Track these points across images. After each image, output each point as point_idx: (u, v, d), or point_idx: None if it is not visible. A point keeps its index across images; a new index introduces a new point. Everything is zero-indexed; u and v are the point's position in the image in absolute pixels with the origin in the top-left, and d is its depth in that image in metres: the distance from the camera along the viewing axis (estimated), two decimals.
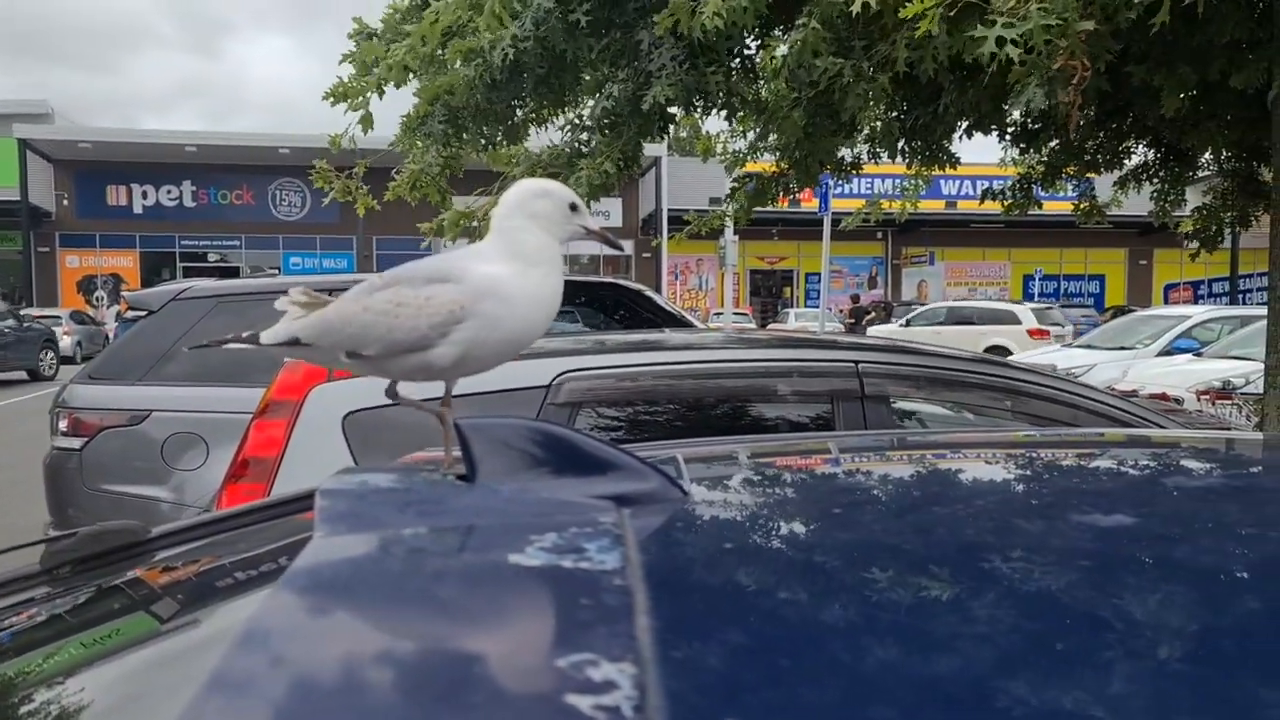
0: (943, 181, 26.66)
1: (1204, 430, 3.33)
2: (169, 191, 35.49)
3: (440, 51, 4.34)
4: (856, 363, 3.05)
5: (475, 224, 4.23)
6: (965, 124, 7.12)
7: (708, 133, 8.19)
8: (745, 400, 3.15)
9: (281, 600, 0.66)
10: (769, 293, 36.19)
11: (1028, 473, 1.43)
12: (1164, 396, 8.33)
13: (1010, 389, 3.17)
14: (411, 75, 4.79)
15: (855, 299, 26.95)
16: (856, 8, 3.55)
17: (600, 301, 6.29)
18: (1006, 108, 3.33)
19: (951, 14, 3.55)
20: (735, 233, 22.92)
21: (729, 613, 0.72)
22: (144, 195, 35.28)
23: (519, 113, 4.94)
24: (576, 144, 4.21)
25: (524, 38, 4.13)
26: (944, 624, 0.71)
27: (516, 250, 1.31)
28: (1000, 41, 3.29)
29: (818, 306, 31.89)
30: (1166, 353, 12.33)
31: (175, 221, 35.49)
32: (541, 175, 4.22)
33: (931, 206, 26.78)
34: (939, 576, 0.82)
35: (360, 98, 4.94)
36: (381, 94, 5.02)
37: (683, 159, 31.23)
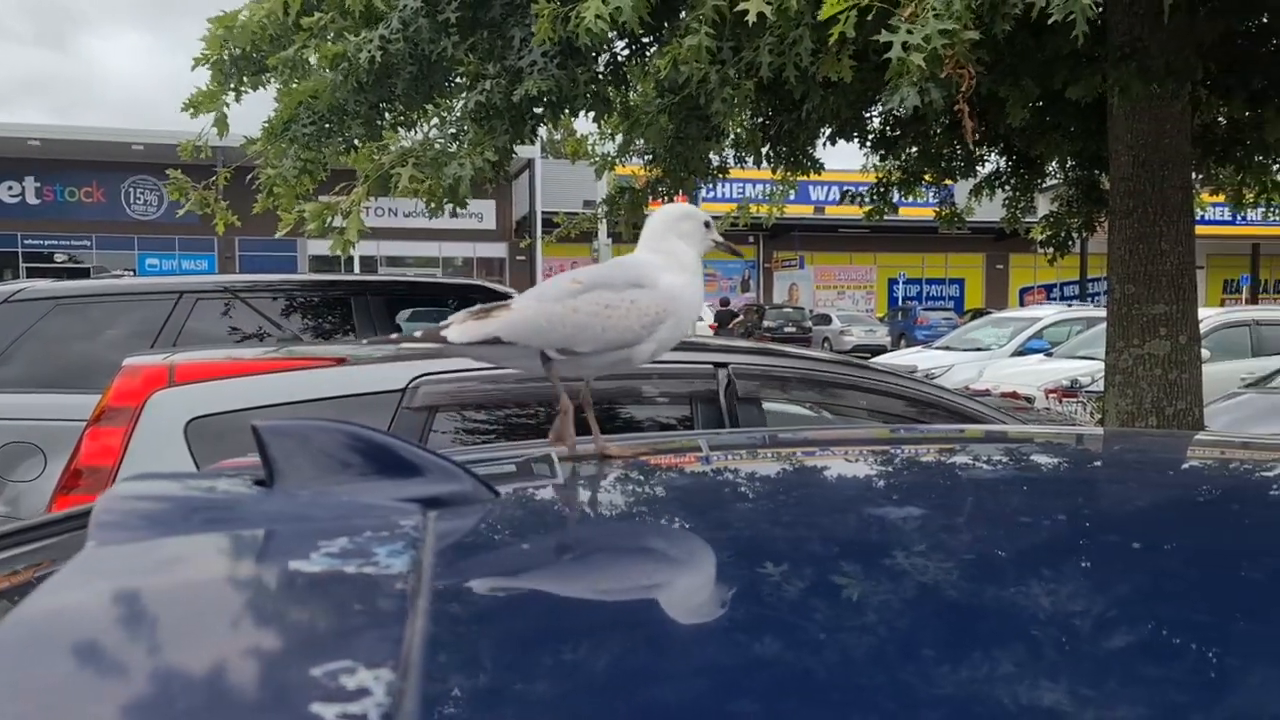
0: (811, 187, 27.30)
1: (1043, 426, 3.49)
2: (10, 188, 33.48)
3: (303, 54, 4.20)
4: (717, 364, 3.07)
5: (340, 219, 4.09)
6: (828, 131, 7.30)
7: (576, 134, 8.19)
8: (606, 402, 3.14)
9: (29, 614, 0.62)
10: None
11: (851, 471, 1.46)
12: (1014, 395, 8.70)
13: (869, 389, 3.24)
14: (270, 78, 4.64)
15: (725, 302, 27.29)
16: (752, 16, 3.57)
17: (469, 304, 6.21)
18: (880, 102, 3.40)
19: (868, 18, 3.62)
20: (609, 235, 23.00)
21: (509, 617, 0.70)
22: None
23: (387, 115, 4.82)
24: (448, 138, 4.12)
25: (391, 39, 4.04)
26: (721, 625, 0.70)
27: (680, 263, 1.57)
28: (905, 47, 3.38)
29: None
30: (1020, 353, 12.90)
31: (17, 219, 33.50)
32: (413, 168, 4.12)
33: (801, 211, 27.37)
34: (713, 575, 0.82)
35: (212, 100, 4.76)
36: (239, 96, 4.85)
37: (556, 161, 31.17)
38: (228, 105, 4.84)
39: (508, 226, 34.37)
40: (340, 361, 3.09)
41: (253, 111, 5.18)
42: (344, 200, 3.98)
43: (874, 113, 7.41)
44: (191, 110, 4.79)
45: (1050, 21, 3.13)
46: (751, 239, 34.73)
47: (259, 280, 5.94)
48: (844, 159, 8.71)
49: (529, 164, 31.44)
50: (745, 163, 7.78)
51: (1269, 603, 0.78)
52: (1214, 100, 6.07)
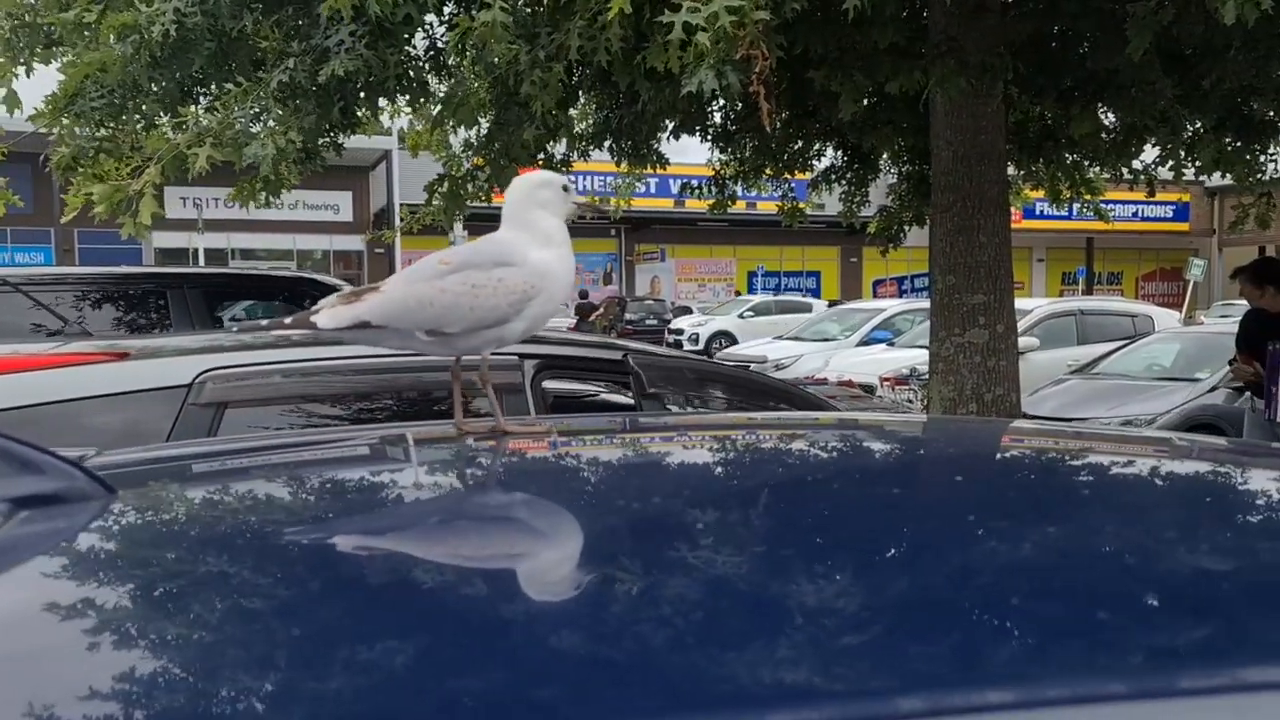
0: (672, 181, 27.57)
1: (856, 411, 3.58)
2: None
3: (88, 22, 3.94)
4: (520, 355, 3.02)
5: (132, 200, 3.84)
6: (671, 124, 7.33)
7: (414, 127, 8.00)
8: (400, 394, 3.06)
9: None
10: None
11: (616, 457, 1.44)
12: (849, 383, 8.94)
13: (670, 373, 3.25)
14: (59, 50, 4.35)
15: (584, 294, 27.27)
16: None
17: (298, 298, 6.01)
18: (683, 86, 3.38)
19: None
20: (465, 229, 22.69)
21: (63, 623, 0.63)
22: None
23: (201, 96, 4.58)
24: (249, 117, 3.92)
25: (188, 12, 3.83)
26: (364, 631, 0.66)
27: (544, 237, 1.56)
28: (688, 28, 3.36)
29: None
30: (865, 343, 13.29)
31: None
32: (210, 148, 3.91)
33: (662, 204, 27.54)
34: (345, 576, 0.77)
35: (4, 74, 4.44)
36: (30, 71, 4.54)
37: (423, 156, 30.49)
38: (16, 78, 4.52)
39: (365, 219, 33.54)
40: (122, 356, 2.91)
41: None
42: (135, 182, 3.75)
43: (714, 107, 7.51)
44: None
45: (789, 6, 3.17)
46: (612, 232, 34.81)
47: (67, 273, 5.60)
48: (700, 152, 8.82)
49: (386, 155, 30.72)
50: (589, 155, 7.75)
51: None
52: (1027, 98, 6.34)
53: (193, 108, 4.50)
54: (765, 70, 3.24)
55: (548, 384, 3.16)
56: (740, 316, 25.27)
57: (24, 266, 16.09)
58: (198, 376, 2.76)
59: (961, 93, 4.93)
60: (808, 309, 24.31)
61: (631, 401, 3.08)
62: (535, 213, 1.58)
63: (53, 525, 0.81)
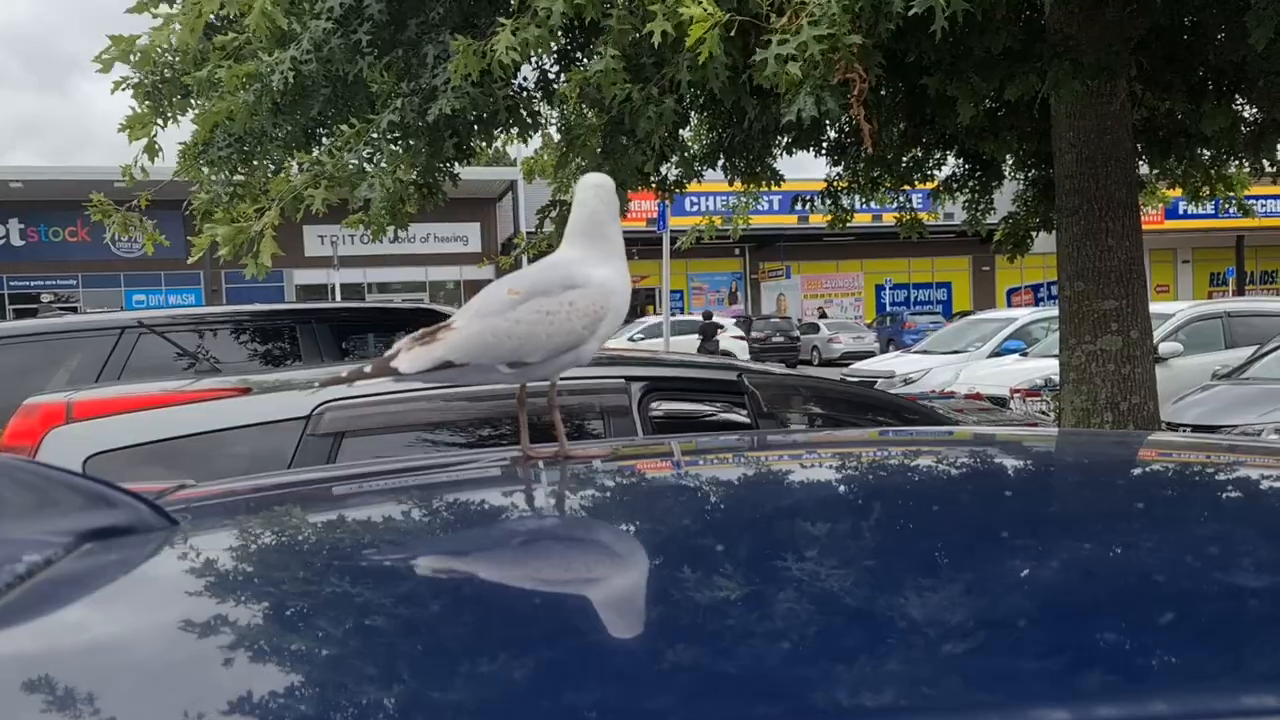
0: (793, 197, 27.32)
1: (976, 426, 3.47)
2: None
3: (219, 79, 4.17)
4: (627, 378, 3.04)
5: (253, 241, 4.05)
6: (784, 141, 7.29)
7: (534, 155, 8.17)
8: (511, 419, 3.10)
9: None
10: (633, 311, 36.36)
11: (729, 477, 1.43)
12: (978, 396, 8.66)
13: (786, 391, 3.22)
14: (191, 100, 4.61)
15: (707, 315, 27.26)
16: (657, 38, 3.55)
17: (418, 328, 6.18)
18: (783, 115, 3.37)
19: (730, 33, 3.61)
20: None
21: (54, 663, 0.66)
22: None
23: (324, 139, 4.79)
24: (362, 158, 4.09)
25: (303, 60, 4.01)
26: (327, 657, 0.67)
27: (606, 247, 1.56)
28: (780, 59, 3.36)
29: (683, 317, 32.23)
30: (997, 354, 12.86)
31: (2, 262, 33.50)
32: (326, 188, 4.08)
33: (786, 221, 27.36)
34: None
35: (144, 125, 4.73)
36: (166, 123, 4.82)
37: (541, 182, 31.15)
38: (160, 129, 4.81)
39: (493, 248, 34.39)
40: (244, 391, 3.05)
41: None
42: (255, 223, 3.94)
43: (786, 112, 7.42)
44: (128, 134, 4.76)
45: (910, 13, 3.10)
46: (737, 251, 34.75)
47: (207, 313, 5.91)
48: (819, 166, 8.71)
49: (511, 186, 31.48)
50: (701, 176, 7.77)
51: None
52: (1154, 95, 6.06)
53: (315, 151, 4.71)
54: (864, 92, 3.20)
55: (661, 406, 3.17)
56: (630, 340, 24.25)
57: (168, 308, 17.02)
58: (315, 408, 2.88)
59: (1076, 95, 4.75)
60: (712, 331, 23.40)
61: (748, 422, 3.07)
62: (607, 219, 1.58)
63: (108, 557, 0.85)
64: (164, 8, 4.38)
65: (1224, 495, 1.24)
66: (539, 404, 1.66)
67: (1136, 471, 1.42)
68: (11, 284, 33.63)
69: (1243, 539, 0.97)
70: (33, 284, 33.83)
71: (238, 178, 4.72)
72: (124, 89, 4.59)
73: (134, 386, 3.27)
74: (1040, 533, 1.01)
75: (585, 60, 4.74)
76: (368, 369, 1.51)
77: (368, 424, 2.95)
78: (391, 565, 0.90)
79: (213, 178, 4.59)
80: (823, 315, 31.55)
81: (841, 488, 1.28)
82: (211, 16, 4.41)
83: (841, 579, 0.84)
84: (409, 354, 1.45)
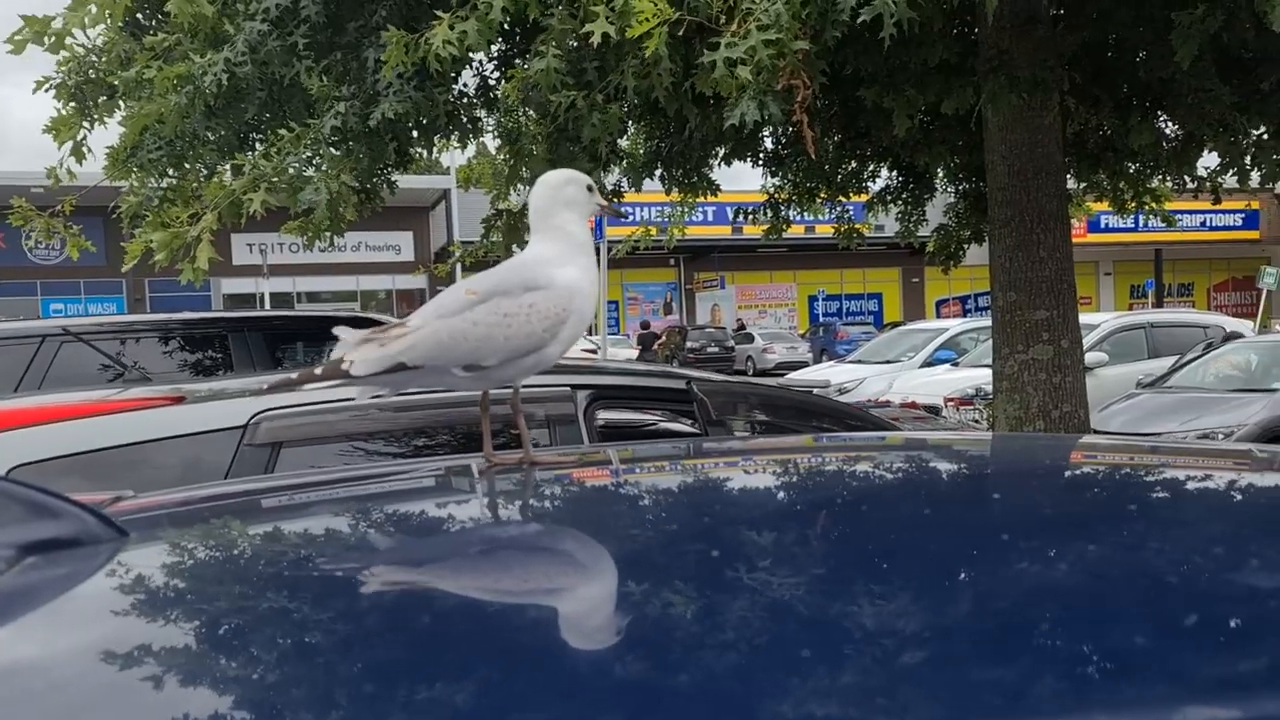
0: (729, 208, 27.56)
1: (911, 432, 3.50)
2: None
3: (148, 78, 4.05)
4: (573, 386, 3.01)
5: (189, 247, 3.92)
6: (721, 151, 7.32)
7: (469, 164, 8.10)
8: (455, 427, 3.06)
9: None
10: None
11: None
12: (913, 405, 8.79)
13: (729, 398, 3.21)
14: (123, 103, 4.48)
15: (645, 325, 27.35)
16: (596, 38, 3.53)
17: None
18: (726, 119, 3.36)
19: (679, 34, 3.60)
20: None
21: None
22: None
23: (258, 143, 4.68)
24: (303, 162, 3.99)
25: (238, 62, 3.92)
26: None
27: (571, 244, 1.50)
28: (730, 63, 3.36)
29: (616, 333, 32.26)
30: (929, 364, 13.07)
31: None
32: (265, 192, 3.98)
33: (720, 232, 27.55)
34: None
35: (70, 128, 4.59)
36: (93, 125, 4.67)
37: (475, 191, 30.92)
38: (88, 132, 4.66)
39: (427, 257, 34.08)
40: (178, 400, 2.96)
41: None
42: (192, 229, 3.83)
43: (765, 132, 7.49)
44: (53, 135, 4.60)
45: (859, 21, 3.13)
46: (671, 261, 34.88)
47: (135, 321, 5.74)
48: (755, 178, 8.78)
49: (445, 194, 31.24)
50: (640, 185, 7.77)
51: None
52: (1084, 110, 6.22)
53: (250, 155, 4.60)
54: (808, 99, 3.21)
55: (607, 414, 3.14)
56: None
57: (94, 316, 16.54)
58: (252, 418, 2.79)
59: (1013, 108, 4.85)
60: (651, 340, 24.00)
61: (695, 430, 3.06)
62: (563, 215, 1.53)
63: (57, 569, 0.80)
64: None
65: (1160, 495, 1.26)
66: (498, 411, 1.61)
67: (1081, 472, 1.44)
68: None
69: (1187, 536, 0.98)
70: None
71: (168, 181, 4.59)
72: (46, 90, 4.44)
73: (59, 396, 3.15)
74: (998, 535, 1.01)
75: (526, 65, 4.70)
76: (318, 371, 1.44)
77: (307, 433, 2.87)
78: (358, 576, 0.87)
79: (144, 182, 4.45)
80: (741, 327, 31.74)
81: (806, 494, 1.27)
82: (139, 16, 4.29)
83: (815, 588, 0.83)
84: (362, 356, 1.39)
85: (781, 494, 1.28)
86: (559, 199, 1.54)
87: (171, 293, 30.19)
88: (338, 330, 1.46)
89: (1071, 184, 8.10)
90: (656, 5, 3.11)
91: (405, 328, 1.44)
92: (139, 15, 4.41)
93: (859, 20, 3.11)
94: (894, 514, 1.11)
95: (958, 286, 32.08)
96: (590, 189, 1.57)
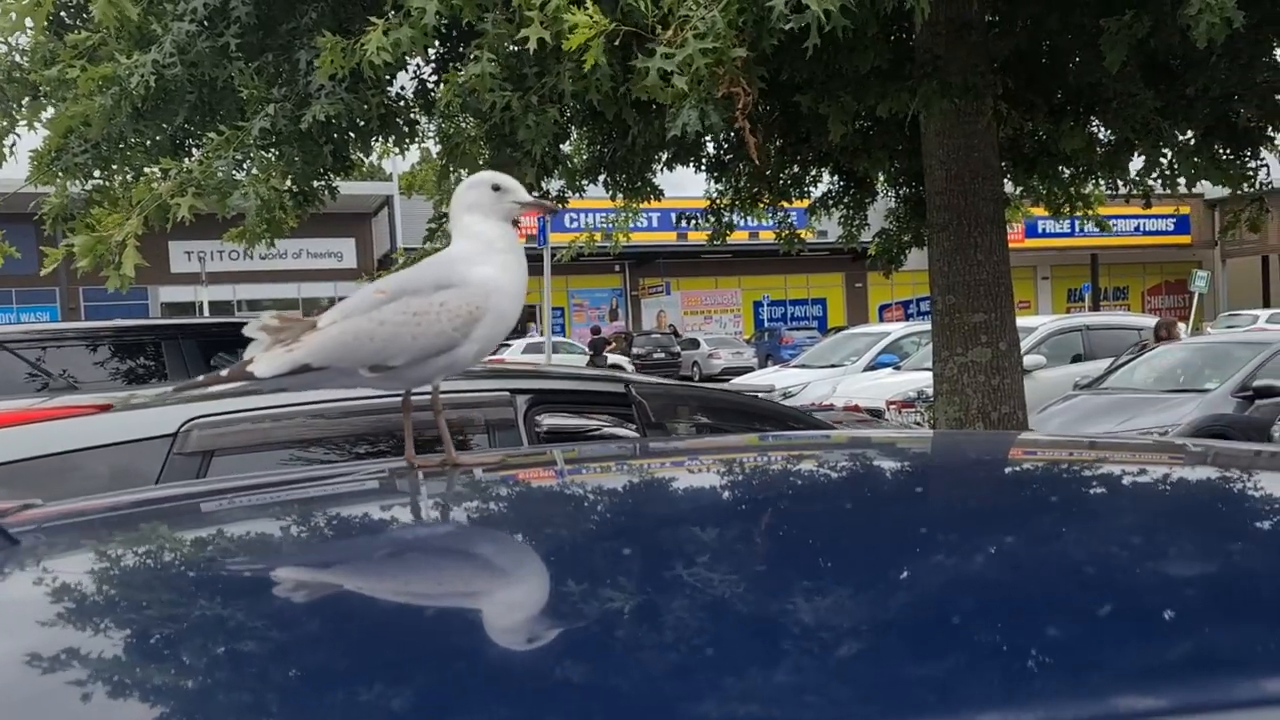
0: (674, 214, 27.60)
1: (852, 430, 3.53)
2: None
3: (71, 78, 3.94)
4: (512, 391, 2.98)
5: (114, 252, 3.81)
6: (664, 156, 7.33)
7: (411, 170, 8.04)
8: (391, 433, 3.02)
9: None
10: (516, 328, 36.03)
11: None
12: (856, 408, 8.87)
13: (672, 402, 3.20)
14: (48, 103, 4.36)
15: (595, 330, 27.35)
16: (532, 44, 3.50)
17: None
18: (668, 129, 3.36)
19: (615, 43, 3.59)
20: None
21: None
22: None
23: (189, 143, 4.58)
24: (232, 164, 3.90)
25: (166, 63, 3.83)
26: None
27: (488, 244, 1.45)
28: (663, 74, 3.35)
29: (564, 339, 32.17)
30: (872, 367, 13.21)
31: None
32: (194, 196, 3.88)
33: (664, 238, 27.61)
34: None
35: None
36: (14, 125, 4.55)
37: (419, 197, 30.66)
38: (16, 135, 4.53)
39: (369, 265, 33.72)
40: (105, 408, 2.88)
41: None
42: (116, 233, 3.73)
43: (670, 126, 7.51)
44: None
45: (788, 27, 3.14)
46: (617, 267, 34.89)
47: (64, 329, 5.60)
48: (699, 183, 8.79)
49: (387, 201, 30.94)
50: (583, 191, 7.75)
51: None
52: (1018, 115, 6.32)
53: (186, 160, 4.50)
54: (749, 105, 3.22)
55: (547, 419, 3.12)
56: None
57: (17, 324, 16.10)
58: (183, 425, 2.73)
59: (945, 113, 4.91)
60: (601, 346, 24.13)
61: (636, 433, 3.04)
62: (466, 218, 1.48)
63: None
64: None
65: (1096, 489, 1.27)
66: (427, 417, 1.57)
67: (1015, 468, 1.45)
68: None
69: (1117, 528, 0.99)
70: None
71: (91, 184, 4.47)
72: None
73: None
74: (924, 529, 1.01)
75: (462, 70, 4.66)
76: (224, 374, 1.40)
77: (239, 441, 2.81)
78: (259, 583, 0.84)
79: (69, 185, 4.33)
80: (674, 334, 31.88)
81: (730, 492, 1.26)
82: (63, 15, 4.18)
83: (730, 585, 0.82)
84: (267, 357, 1.35)
85: (703, 492, 1.26)
86: (463, 203, 1.50)
87: (107, 301, 29.54)
88: (248, 330, 1.41)
89: (1009, 188, 8.25)
90: (592, 16, 3.10)
91: (314, 328, 1.39)
92: (62, 14, 4.29)
93: (788, 28, 3.11)
94: (820, 510, 1.10)
95: (900, 291, 32.52)
96: (498, 189, 1.50)
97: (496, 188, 1.50)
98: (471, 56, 3.53)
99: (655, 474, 1.44)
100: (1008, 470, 1.42)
